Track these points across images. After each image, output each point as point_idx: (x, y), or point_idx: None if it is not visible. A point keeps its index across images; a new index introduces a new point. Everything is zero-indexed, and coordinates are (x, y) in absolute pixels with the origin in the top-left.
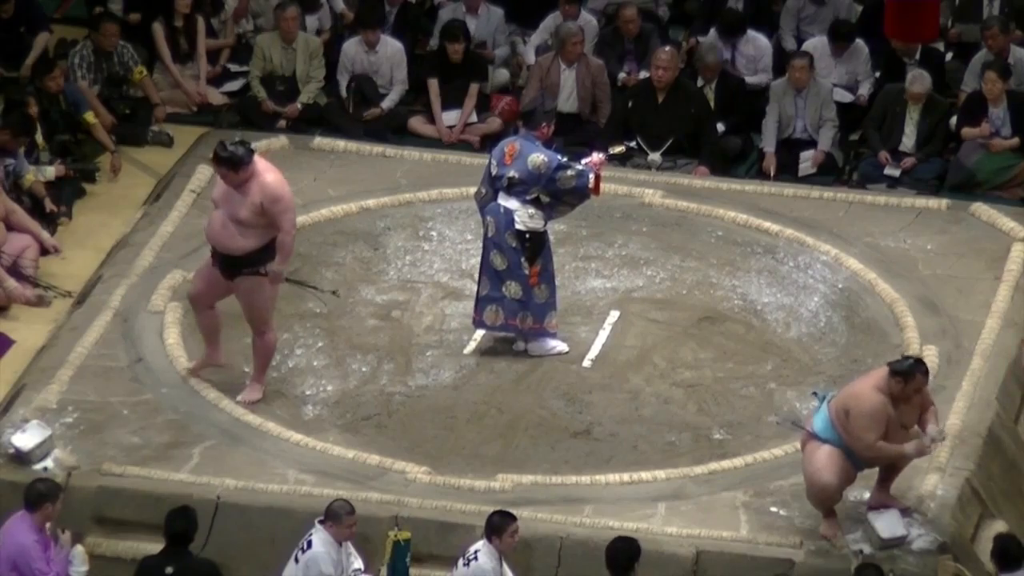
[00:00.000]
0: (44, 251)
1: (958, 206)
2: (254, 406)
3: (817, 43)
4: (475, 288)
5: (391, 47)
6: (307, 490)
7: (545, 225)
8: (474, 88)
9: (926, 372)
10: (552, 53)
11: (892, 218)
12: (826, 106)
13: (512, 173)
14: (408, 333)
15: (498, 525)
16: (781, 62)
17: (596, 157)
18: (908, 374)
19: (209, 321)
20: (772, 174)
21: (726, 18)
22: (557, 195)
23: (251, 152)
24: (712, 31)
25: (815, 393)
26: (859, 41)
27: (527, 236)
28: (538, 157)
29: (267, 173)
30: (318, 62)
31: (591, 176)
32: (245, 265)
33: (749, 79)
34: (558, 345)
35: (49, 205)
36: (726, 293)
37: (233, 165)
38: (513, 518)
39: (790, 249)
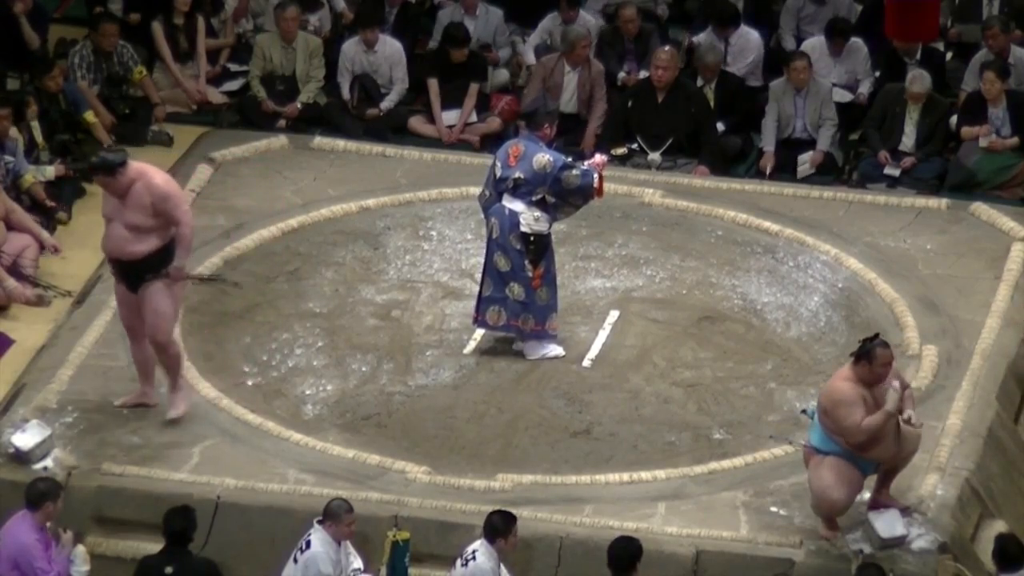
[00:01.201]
0: (43, 249)
1: (958, 206)
2: (253, 407)
3: (816, 43)
4: (475, 288)
5: (390, 47)
6: (307, 490)
7: (550, 227)
8: (474, 88)
9: (886, 344)
10: (556, 54)
11: (892, 218)
12: (826, 105)
13: (518, 174)
14: (408, 333)
15: (502, 528)
16: (780, 62)
17: (598, 158)
18: (868, 354)
19: (144, 355)
20: (768, 172)
21: (720, 10)
22: (562, 195)
23: (124, 155)
24: (707, 31)
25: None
26: (858, 40)
27: (531, 238)
28: (543, 157)
29: (153, 175)
30: (318, 62)
31: (595, 176)
32: (148, 270)
33: (728, 68)
34: (554, 349)
35: (49, 202)
36: (726, 293)
37: (107, 170)
38: (514, 519)
39: (790, 249)
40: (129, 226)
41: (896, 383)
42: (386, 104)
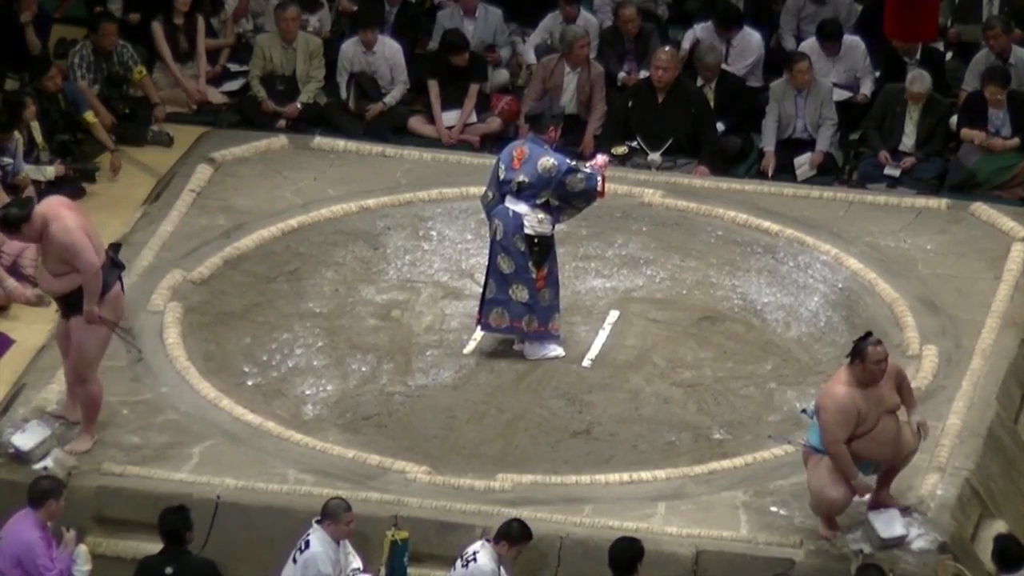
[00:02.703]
0: None
1: (958, 206)
2: (253, 407)
3: (815, 43)
4: (475, 288)
5: (389, 48)
6: (307, 490)
7: (553, 229)
8: (474, 88)
9: (879, 342)
10: (556, 55)
11: (892, 218)
12: (826, 105)
13: (522, 177)
14: (408, 333)
15: (517, 536)
16: (780, 62)
17: (601, 159)
18: (860, 352)
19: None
20: (770, 174)
21: (722, 11)
22: (566, 198)
23: (28, 208)
24: (708, 24)
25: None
26: (854, 38)
27: (535, 240)
28: (548, 160)
29: (58, 221)
30: (318, 62)
31: (599, 179)
32: (71, 307)
33: (728, 68)
34: (554, 349)
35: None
36: (726, 293)
37: (8, 227)
38: (531, 536)
39: (790, 249)
40: (47, 267)
41: (915, 417)
42: (388, 99)
